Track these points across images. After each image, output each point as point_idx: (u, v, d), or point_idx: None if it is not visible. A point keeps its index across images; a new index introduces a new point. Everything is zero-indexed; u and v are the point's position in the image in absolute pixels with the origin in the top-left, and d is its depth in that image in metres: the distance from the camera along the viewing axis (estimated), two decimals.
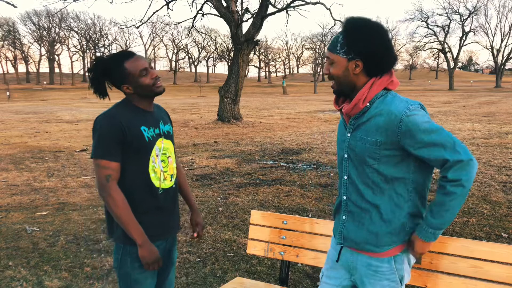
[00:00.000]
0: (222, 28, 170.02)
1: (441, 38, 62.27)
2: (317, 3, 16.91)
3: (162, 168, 2.00)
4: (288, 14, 17.69)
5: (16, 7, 14.14)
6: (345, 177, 1.79)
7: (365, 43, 1.62)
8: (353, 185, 1.76)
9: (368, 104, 1.67)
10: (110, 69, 1.91)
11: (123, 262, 1.94)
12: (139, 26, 19.30)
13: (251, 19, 15.96)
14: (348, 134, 1.75)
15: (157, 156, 1.96)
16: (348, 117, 1.76)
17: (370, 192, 1.71)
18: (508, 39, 63.26)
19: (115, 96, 2.16)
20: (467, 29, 62.42)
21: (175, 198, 2.10)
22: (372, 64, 1.64)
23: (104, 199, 1.86)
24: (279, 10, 16.40)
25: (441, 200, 1.62)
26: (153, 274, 2.02)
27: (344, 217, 1.82)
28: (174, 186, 2.08)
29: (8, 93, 44.15)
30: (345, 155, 1.77)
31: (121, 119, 1.86)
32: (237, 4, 15.98)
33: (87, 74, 1.93)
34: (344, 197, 1.81)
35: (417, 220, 1.74)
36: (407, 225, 1.73)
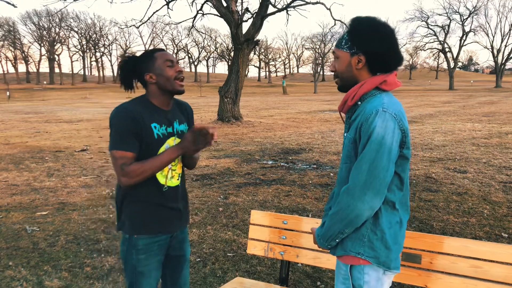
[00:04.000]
0: (222, 28, 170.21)
1: (441, 38, 62.28)
2: (317, 3, 16.93)
3: (170, 166, 2.00)
4: (288, 14, 17.72)
5: (16, 7, 14.14)
6: (337, 177, 1.78)
7: (368, 39, 1.61)
8: (339, 185, 1.73)
9: (359, 103, 1.65)
10: (141, 56, 1.98)
11: (129, 254, 1.97)
12: (139, 26, 19.33)
13: (251, 19, 15.97)
14: (345, 134, 1.73)
15: None
16: (344, 116, 1.77)
17: None
18: (508, 39, 63.35)
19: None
20: (467, 29, 62.47)
21: (183, 196, 2.11)
22: (375, 60, 1.63)
23: (130, 185, 1.85)
24: (279, 10, 16.40)
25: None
26: (158, 266, 2.03)
27: None
28: (180, 184, 2.08)
29: (8, 93, 44.09)
30: (342, 155, 1.76)
31: (134, 112, 1.88)
32: (237, 4, 15.97)
33: (118, 65, 2.02)
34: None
35: (377, 232, 1.62)
36: (365, 235, 1.62)
